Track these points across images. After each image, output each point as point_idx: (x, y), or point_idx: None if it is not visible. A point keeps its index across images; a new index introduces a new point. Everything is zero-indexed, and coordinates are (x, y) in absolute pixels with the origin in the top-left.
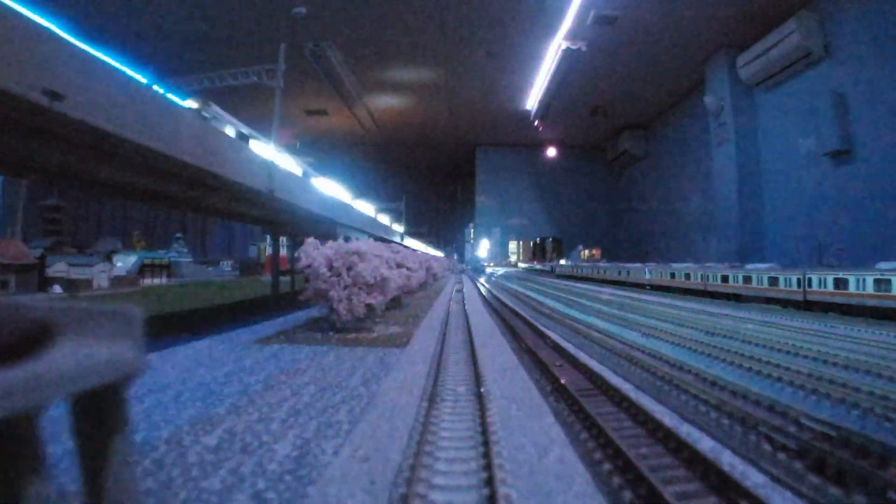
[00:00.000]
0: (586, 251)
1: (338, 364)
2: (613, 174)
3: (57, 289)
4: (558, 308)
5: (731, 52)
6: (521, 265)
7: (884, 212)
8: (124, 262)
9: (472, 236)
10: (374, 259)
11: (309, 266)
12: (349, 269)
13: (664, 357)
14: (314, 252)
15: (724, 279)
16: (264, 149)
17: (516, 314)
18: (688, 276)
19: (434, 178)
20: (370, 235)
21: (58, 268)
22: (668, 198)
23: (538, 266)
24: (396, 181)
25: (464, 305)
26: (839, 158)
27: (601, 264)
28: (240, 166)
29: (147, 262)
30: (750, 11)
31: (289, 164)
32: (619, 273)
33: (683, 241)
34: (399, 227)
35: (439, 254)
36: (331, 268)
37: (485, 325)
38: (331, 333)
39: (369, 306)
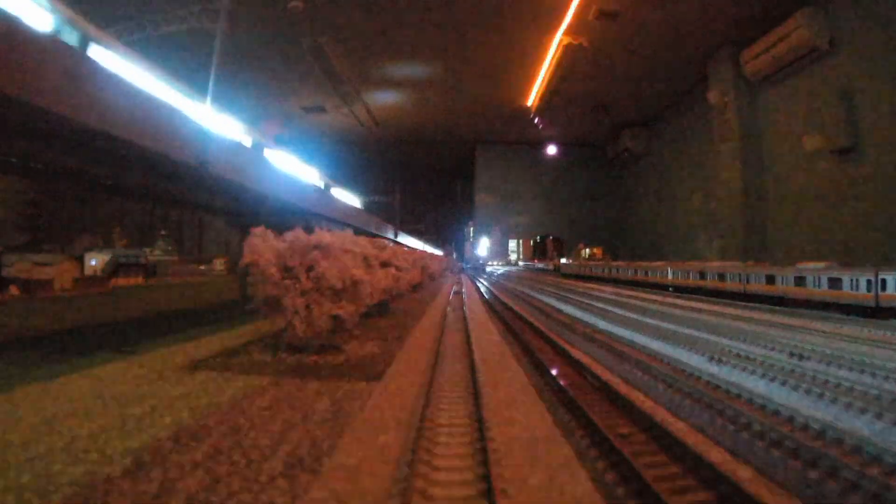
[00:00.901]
0: (587, 250)
1: (268, 417)
2: (614, 172)
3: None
4: (577, 315)
5: (734, 47)
6: (521, 264)
7: (891, 210)
8: (97, 261)
9: (471, 235)
10: (343, 256)
11: (253, 265)
12: (309, 269)
13: (760, 399)
14: (262, 246)
15: (770, 280)
16: (198, 110)
17: (529, 325)
18: (722, 276)
19: (433, 175)
20: (355, 230)
21: (20, 267)
22: (670, 196)
23: (539, 265)
24: (395, 179)
25: (463, 312)
26: (846, 155)
27: (613, 263)
28: (146, 125)
29: (122, 260)
30: (754, 6)
31: (237, 134)
32: (636, 273)
33: (685, 240)
34: (391, 223)
35: (438, 252)
36: (285, 268)
37: (491, 343)
38: (285, 354)
39: (336, 318)
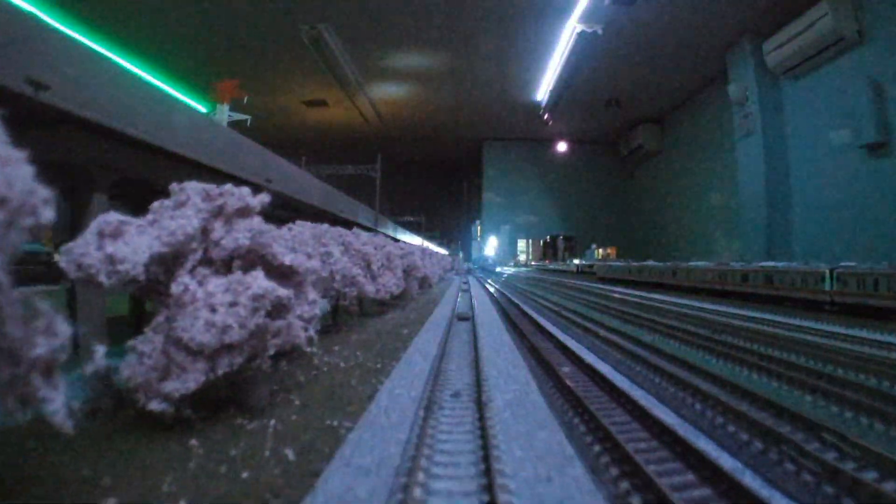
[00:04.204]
0: (601, 250)
1: None
2: (626, 170)
3: None
4: None
5: (756, 38)
6: (534, 264)
7: None
8: None
9: (478, 234)
10: None
11: None
12: None
13: None
14: None
15: None
16: None
17: None
18: None
19: (439, 173)
20: (274, 194)
21: None
22: (686, 195)
23: (553, 266)
24: (398, 175)
25: (478, 403)
26: (876, 151)
27: (694, 264)
28: None
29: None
30: None
31: None
32: (751, 281)
33: (702, 240)
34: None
35: (443, 251)
36: None
37: None
38: None
39: None
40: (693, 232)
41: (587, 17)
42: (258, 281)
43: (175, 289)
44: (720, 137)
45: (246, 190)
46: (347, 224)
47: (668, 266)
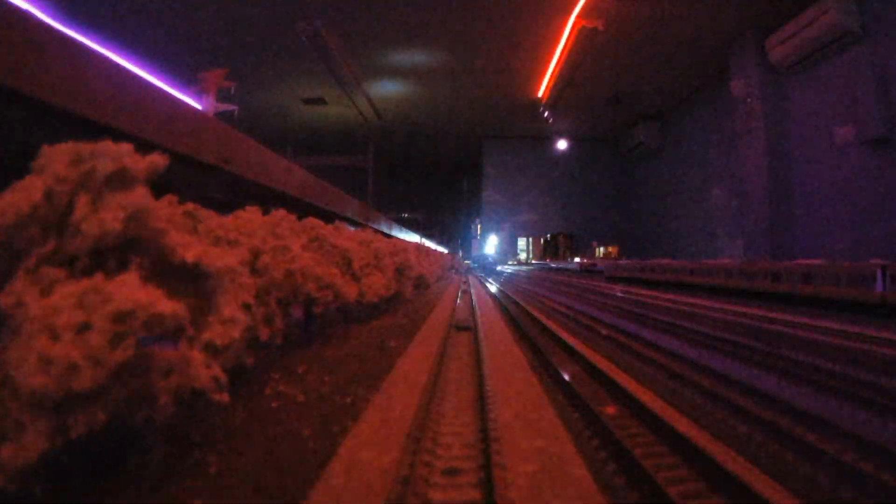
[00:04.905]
0: (601, 248)
1: None
2: (627, 168)
3: None
4: None
5: (759, 33)
6: (535, 262)
7: None
8: None
9: (478, 233)
10: None
11: None
12: None
13: None
14: None
15: None
16: None
17: None
18: None
19: (438, 171)
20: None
21: None
22: (687, 193)
23: (555, 265)
24: (397, 173)
25: (487, 486)
26: (880, 146)
27: (718, 261)
28: None
29: None
30: None
31: None
32: (785, 280)
33: (703, 239)
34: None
35: (443, 249)
36: None
37: None
38: None
39: None
40: (695, 230)
41: (588, 13)
42: (125, 289)
43: (3, 301)
44: (722, 134)
45: (126, 148)
46: (332, 218)
47: (686, 264)
